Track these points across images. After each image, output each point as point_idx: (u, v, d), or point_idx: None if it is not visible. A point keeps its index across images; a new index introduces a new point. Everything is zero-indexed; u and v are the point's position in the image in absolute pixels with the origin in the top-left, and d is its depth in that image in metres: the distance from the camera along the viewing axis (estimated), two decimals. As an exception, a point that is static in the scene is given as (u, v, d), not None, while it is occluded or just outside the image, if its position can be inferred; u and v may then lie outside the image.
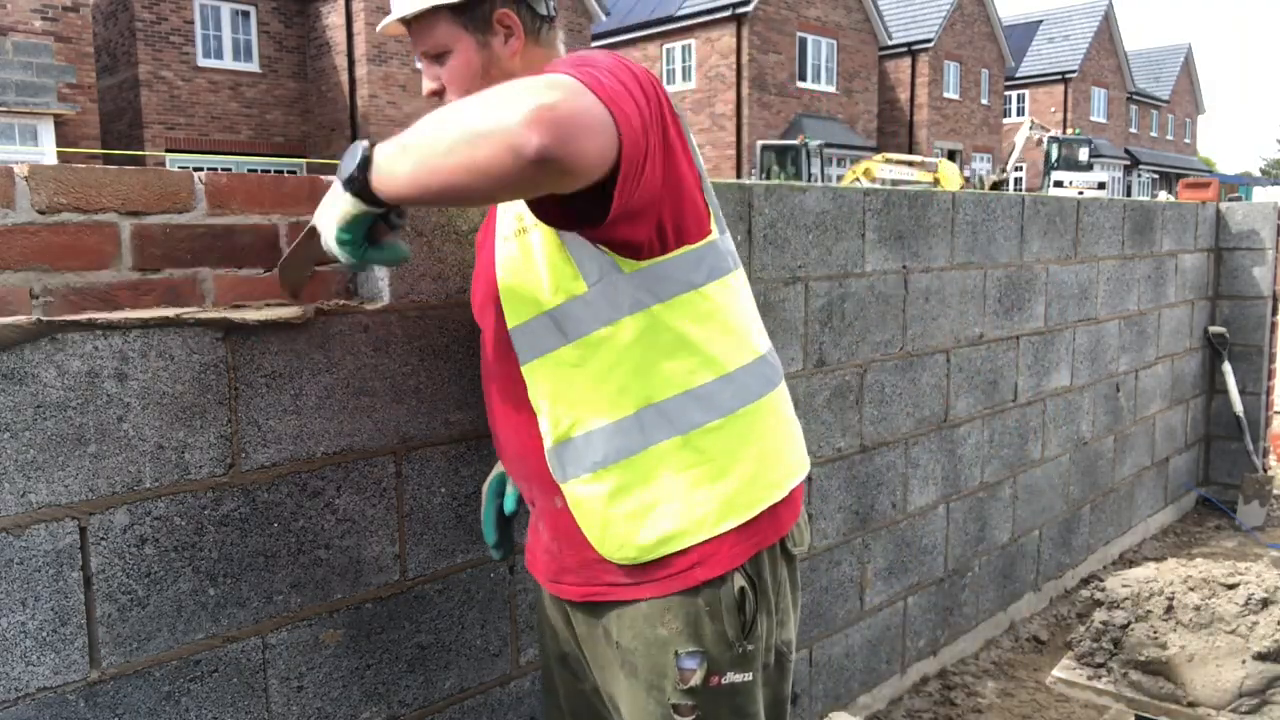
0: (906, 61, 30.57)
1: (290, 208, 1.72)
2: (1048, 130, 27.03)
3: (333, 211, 1.28)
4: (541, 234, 1.35)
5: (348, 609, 1.72)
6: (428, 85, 1.52)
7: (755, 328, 1.49)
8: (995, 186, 23.35)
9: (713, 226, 1.41)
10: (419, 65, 1.52)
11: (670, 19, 25.93)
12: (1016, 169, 27.75)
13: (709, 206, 1.42)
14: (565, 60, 1.25)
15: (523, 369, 1.41)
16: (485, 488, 1.72)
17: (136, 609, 1.46)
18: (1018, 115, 37.64)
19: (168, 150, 17.56)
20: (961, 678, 3.35)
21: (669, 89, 30.03)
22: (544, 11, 1.52)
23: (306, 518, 1.65)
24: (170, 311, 1.50)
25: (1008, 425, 3.61)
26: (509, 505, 1.68)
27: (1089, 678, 2.36)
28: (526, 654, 2.02)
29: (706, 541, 1.37)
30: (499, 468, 1.71)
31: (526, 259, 1.38)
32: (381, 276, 1.75)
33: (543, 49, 1.52)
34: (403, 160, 1.19)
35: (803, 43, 25.96)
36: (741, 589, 1.38)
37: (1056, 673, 2.42)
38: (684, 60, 26.06)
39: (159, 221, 1.57)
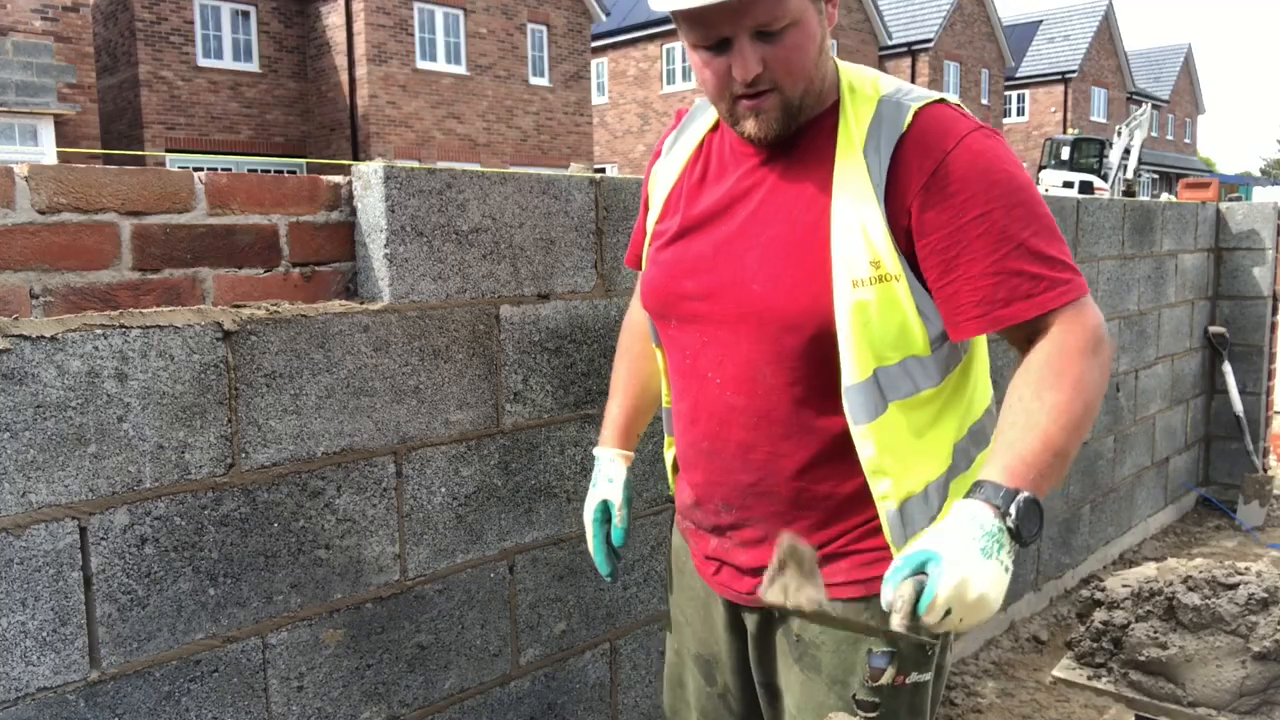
0: (906, 61, 30.55)
1: (290, 208, 1.72)
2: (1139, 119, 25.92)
3: (999, 578, 1.14)
4: (904, 287, 1.28)
5: (348, 609, 1.72)
6: (750, 70, 1.23)
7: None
8: (1128, 192, 22.87)
9: None
10: (709, 57, 1.25)
11: (670, 19, 25.90)
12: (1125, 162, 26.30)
13: None
14: (1032, 214, 1.27)
15: (860, 428, 1.32)
16: (589, 517, 1.61)
17: (136, 609, 1.46)
18: (1018, 115, 37.63)
19: (168, 150, 17.54)
20: (961, 678, 3.35)
21: (669, 89, 29.48)
22: None
23: (306, 518, 1.65)
24: (170, 311, 1.50)
25: (1008, 425, 3.60)
26: (617, 539, 1.60)
27: (1089, 678, 2.36)
28: (526, 654, 2.02)
29: None
30: (596, 494, 1.62)
31: (887, 310, 1.28)
32: (382, 276, 1.75)
33: None
34: (1057, 476, 1.22)
35: (803, 43, 25.91)
36: None
37: (1056, 672, 2.42)
38: (684, 60, 26.06)
39: (159, 221, 1.57)
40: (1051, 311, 1.26)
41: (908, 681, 1.39)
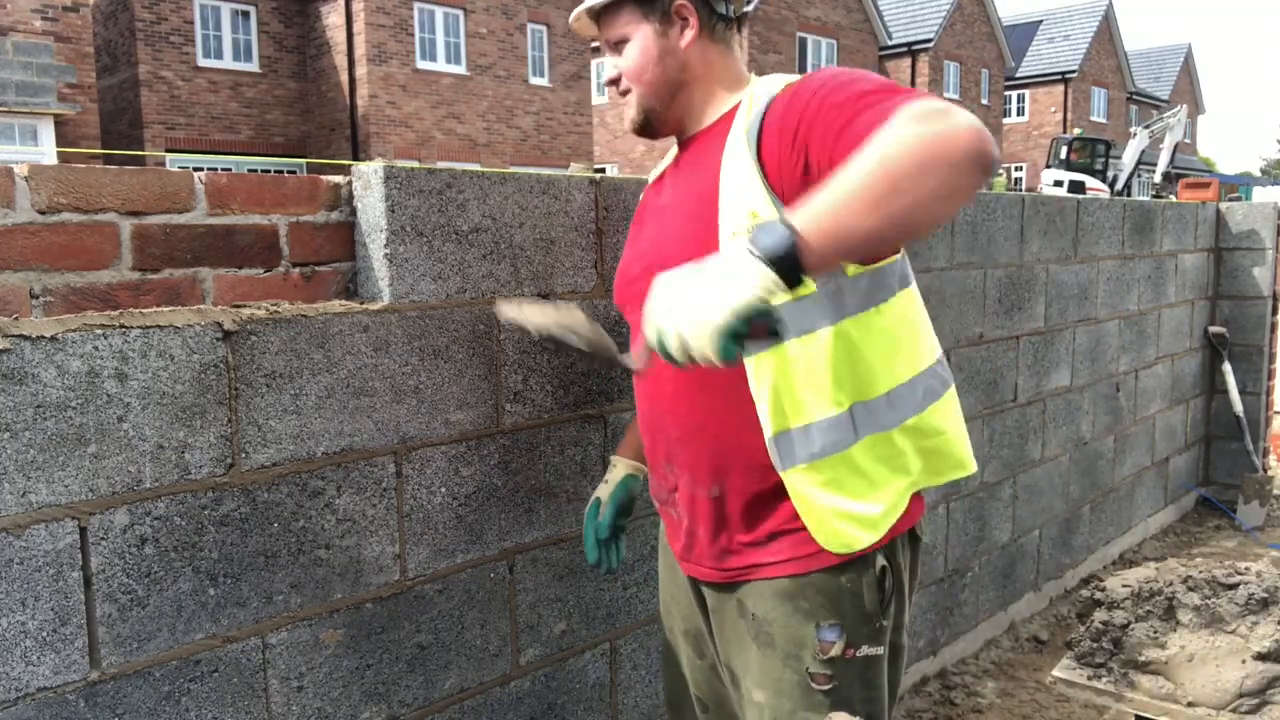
0: (906, 61, 30.56)
1: (290, 208, 1.72)
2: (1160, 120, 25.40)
3: (724, 297, 1.14)
4: None
5: (348, 609, 1.72)
6: (608, 73, 1.62)
7: (931, 334, 1.59)
8: (1158, 194, 22.68)
9: None
10: (604, 60, 1.63)
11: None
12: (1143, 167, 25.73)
13: None
14: (879, 88, 1.30)
15: (748, 359, 1.44)
16: (586, 512, 1.87)
17: (136, 609, 1.46)
18: (1018, 115, 37.62)
19: (168, 150, 17.54)
20: (961, 678, 3.35)
21: (669, 89, 29.86)
22: (722, 10, 1.57)
23: (306, 518, 1.65)
24: (170, 311, 1.50)
25: (1007, 425, 3.61)
26: (602, 532, 1.82)
27: (1089, 678, 2.36)
28: (526, 654, 2.02)
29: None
30: (595, 493, 1.88)
31: None
32: (382, 276, 1.75)
33: (718, 46, 1.58)
34: (852, 209, 1.15)
35: (803, 43, 25.96)
36: (883, 568, 1.49)
37: (1056, 673, 2.42)
38: (684, 60, 26.04)
39: (159, 221, 1.57)
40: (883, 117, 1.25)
41: (857, 654, 1.48)
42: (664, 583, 1.80)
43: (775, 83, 1.49)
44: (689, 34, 1.54)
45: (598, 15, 1.60)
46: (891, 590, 1.51)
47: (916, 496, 1.58)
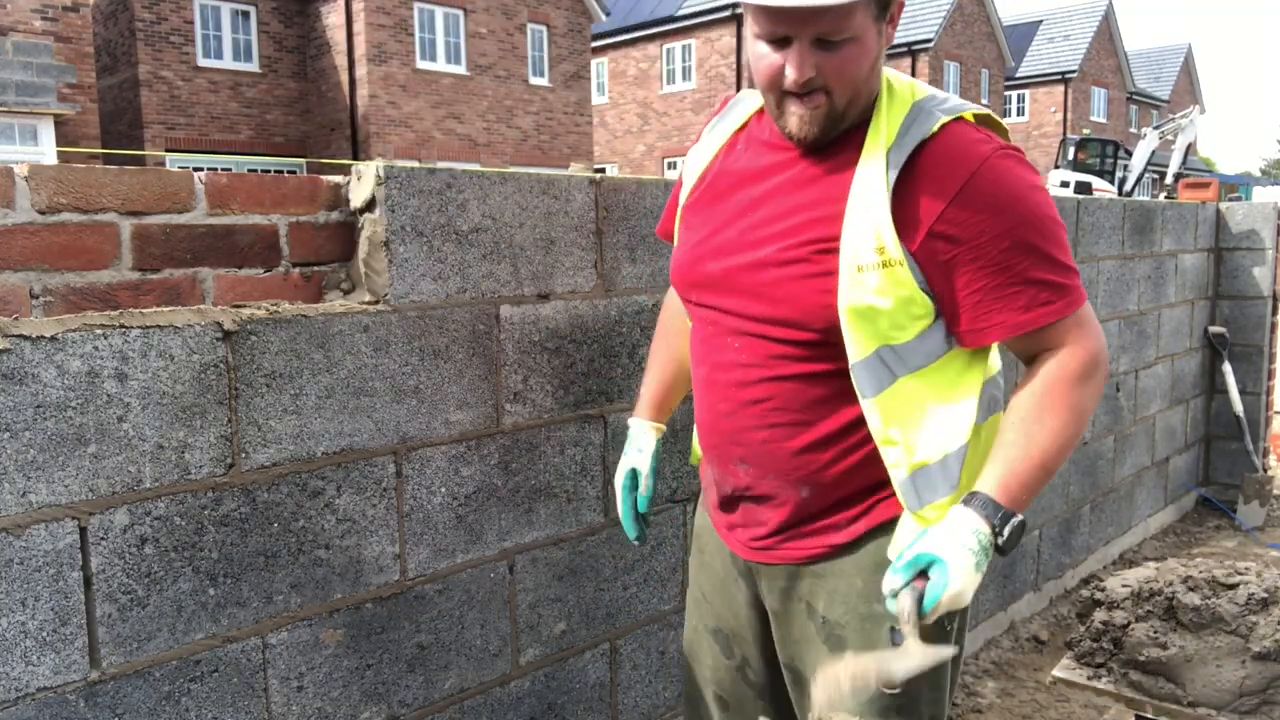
0: (906, 61, 30.54)
1: (290, 208, 1.72)
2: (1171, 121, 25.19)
3: (972, 577, 1.31)
4: (907, 271, 1.35)
5: (348, 609, 1.72)
6: (804, 73, 1.31)
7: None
8: (1170, 195, 22.53)
9: None
10: (768, 51, 1.33)
11: (670, 19, 25.92)
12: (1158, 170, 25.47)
13: None
14: (1049, 236, 1.36)
15: (868, 401, 1.40)
16: (619, 484, 1.73)
17: (136, 609, 1.46)
18: (1018, 115, 37.62)
19: (168, 150, 17.53)
20: (961, 678, 3.35)
21: (669, 89, 29.34)
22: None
23: (306, 518, 1.65)
24: (170, 311, 1.50)
25: (1008, 425, 3.60)
26: (642, 505, 1.71)
27: (1089, 678, 2.36)
28: (526, 654, 2.02)
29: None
30: (626, 462, 1.73)
31: (892, 292, 1.35)
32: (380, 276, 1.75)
33: None
34: (1041, 489, 1.38)
35: (803, 42, 25.91)
36: None
37: (1056, 673, 2.42)
38: (684, 60, 26.06)
39: (159, 221, 1.57)
40: (1060, 320, 1.36)
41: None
42: (695, 578, 1.72)
43: (923, 120, 1.36)
44: (889, 31, 1.36)
45: (816, 11, 1.27)
46: None
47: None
